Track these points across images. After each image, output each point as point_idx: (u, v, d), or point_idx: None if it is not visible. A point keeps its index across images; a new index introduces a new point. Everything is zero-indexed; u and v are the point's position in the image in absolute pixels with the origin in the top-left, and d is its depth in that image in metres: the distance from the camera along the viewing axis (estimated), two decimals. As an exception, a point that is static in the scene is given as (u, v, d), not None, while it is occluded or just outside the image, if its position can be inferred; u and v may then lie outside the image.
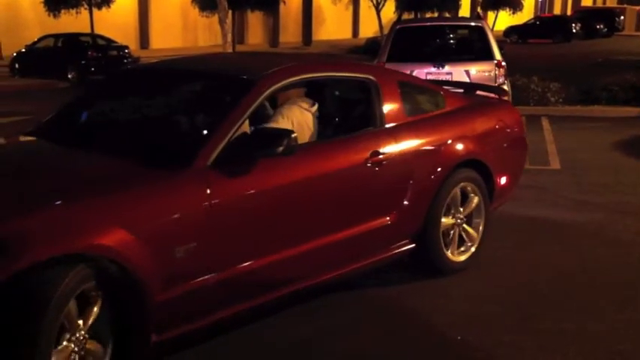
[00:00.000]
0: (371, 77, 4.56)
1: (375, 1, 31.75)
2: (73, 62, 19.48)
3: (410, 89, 4.88)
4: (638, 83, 12.98)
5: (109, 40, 21.21)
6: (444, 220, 4.75)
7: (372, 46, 27.28)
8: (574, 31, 39.49)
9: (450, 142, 4.77)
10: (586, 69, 19.89)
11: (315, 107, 4.46)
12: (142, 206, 3.26)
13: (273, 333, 4.02)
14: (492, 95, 5.93)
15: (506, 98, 5.92)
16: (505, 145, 5.29)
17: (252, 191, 3.64)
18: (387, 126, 4.50)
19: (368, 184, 4.29)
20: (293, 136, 3.70)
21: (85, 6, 24.13)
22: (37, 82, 19.07)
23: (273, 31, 38.73)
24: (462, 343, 3.94)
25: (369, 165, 4.25)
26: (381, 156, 4.31)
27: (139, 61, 21.50)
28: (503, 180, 5.20)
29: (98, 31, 23.30)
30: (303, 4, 39.39)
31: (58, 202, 3.07)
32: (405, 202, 4.50)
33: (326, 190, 4.06)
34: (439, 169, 4.64)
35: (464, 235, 4.95)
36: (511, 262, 5.14)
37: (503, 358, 3.78)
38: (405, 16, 30.89)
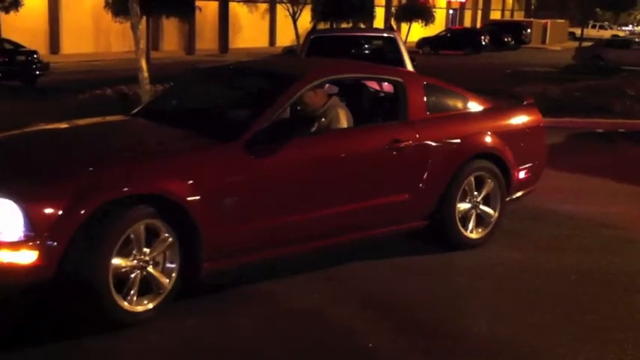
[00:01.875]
0: (399, 79, 5.51)
1: (291, 11, 31.90)
2: (-23, 67, 18.70)
3: (435, 91, 5.73)
4: (545, 93, 13.49)
5: (16, 45, 20.46)
6: (460, 204, 5.53)
7: (288, 55, 27.35)
8: (483, 43, 40.70)
9: (467, 136, 5.61)
10: (495, 79, 20.55)
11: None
12: (200, 165, 4.42)
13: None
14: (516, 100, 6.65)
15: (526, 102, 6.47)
16: (523, 143, 6.00)
17: (287, 161, 4.66)
18: (410, 120, 5.35)
19: (387, 165, 5.19)
20: (322, 120, 5.08)
21: (-8, 9, 23.29)
22: (-61, 87, 18.26)
23: (189, 38, 38.28)
24: (373, 349, 4.01)
25: (388, 149, 5.15)
26: (400, 144, 5.17)
27: (49, 67, 20.87)
28: (521, 174, 5.97)
29: (6, 35, 22.49)
30: (219, 11, 39.16)
31: (143, 159, 4.37)
32: (422, 184, 5.34)
33: (349, 166, 5.02)
34: (455, 158, 5.47)
35: (479, 217, 5.70)
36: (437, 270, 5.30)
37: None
38: (321, 25, 31.14)
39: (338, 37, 11.30)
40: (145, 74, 11.02)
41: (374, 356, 3.95)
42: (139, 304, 4.18)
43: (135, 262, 4.15)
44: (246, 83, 5.81)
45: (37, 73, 19.76)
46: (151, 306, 4.23)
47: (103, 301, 3.98)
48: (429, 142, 5.37)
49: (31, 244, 3.80)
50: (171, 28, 36.90)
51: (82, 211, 3.88)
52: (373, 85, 6.39)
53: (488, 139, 5.74)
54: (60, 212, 3.85)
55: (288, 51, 31.09)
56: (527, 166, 6.06)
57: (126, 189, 4.07)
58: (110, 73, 21.59)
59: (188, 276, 4.39)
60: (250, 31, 42.76)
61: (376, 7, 37.20)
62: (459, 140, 5.55)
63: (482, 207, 5.73)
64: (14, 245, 3.80)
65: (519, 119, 6.18)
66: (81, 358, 3.90)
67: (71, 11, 33.56)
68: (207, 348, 4.01)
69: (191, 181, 4.27)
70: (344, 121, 5.28)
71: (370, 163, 5.13)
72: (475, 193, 5.67)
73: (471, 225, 5.67)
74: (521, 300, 4.75)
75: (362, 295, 4.78)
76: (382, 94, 6.02)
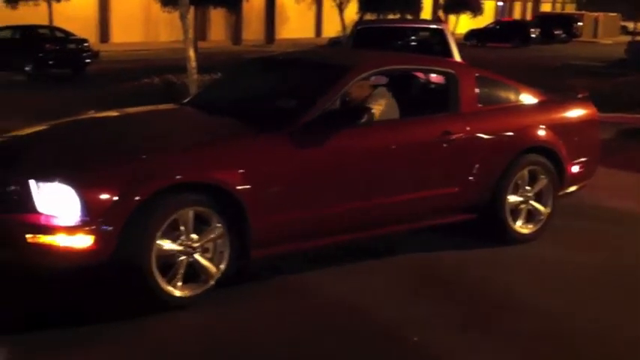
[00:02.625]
0: (450, 71, 5.50)
1: (338, 1, 31.82)
2: (30, 55, 19.04)
3: (487, 83, 5.71)
4: (594, 88, 13.20)
5: (67, 33, 20.85)
6: (510, 196, 5.49)
7: (334, 46, 27.32)
8: (533, 35, 40.05)
9: (519, 129, 5.58)
10: (543, 73, 20.19)
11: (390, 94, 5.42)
12: (249, 154, 4.47)
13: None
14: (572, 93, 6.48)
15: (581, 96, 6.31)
16: (577, 137, 5.94)
17: (336, 151, 4.69)
18: (461, 112, 5.34)
19: (436, 156, 5.19)
20: (372, 111, 5.01)
21: (44, -2, 23.73)
22: (-7, 73, 18.69)
23: (236, 29, 38.53)
24: (416, 344, 3.99)
25: (439, 141, 5.14)
26: (451, 135, 5.16)
27: (99, 55, 21.21)
28: (574, 168, 5.90)
29: (57, 23, 22.90)
30: (266, 2, 39.29)
31: (195, 147, 4.42)
32: (472, 177, 5.31)
33: (398, 157, 5.03)
34: (507, 152, 5.44)
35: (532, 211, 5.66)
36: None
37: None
38: (368, 16, 30.99)
39: (385, 29, 11.22)
40: (193, 64, 11.13)
41: (416, 351, 3.92)
42: (183, 289, 4.25)
43: (181, 247, 4.23)
44: (297, 74, 5.80)
45: (87, 61, 20.12)
46: (194, 292, 4.29)
47: (147, 282, 4.09)
48: (481, 135, 5.35)
49: (87, 228, 3.93)
50: (218, 19, 37.20)
51: (137, 198, 4.00)
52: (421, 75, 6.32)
53: (541, 132, 5.68)
54: (115, 198, 3.96)
55: (334, 42, 31.05)
56: (580, 160, 5.96)
57: (179, 177, 4.16)
58: (158, 62, 21.86)
59: (236, 264, 4.46)
60: (296, 22, 42.85)
61: (423, -1, 36.87)
62: (511, 133, 5.51)
63: (533, 202, 5.65)
64: (71, 230, 3.92)
65: (573, 113, 6.08)
66: (109, 335, 3.96)
67: (121, 1, 34.06)
68: (236, 337, 4.02)
69: (241, 170, 4.34)
70: (387, 112, 5.23)
71: (419, 154, 5.13)
72: (527, 187, 5.61)
73: (521, 220, 5.62)
74: (565, 297, 4.67)
75: (405, 288, 4.75)
76: (433, 86, 6.02)
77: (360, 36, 10.13)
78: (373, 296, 4.60)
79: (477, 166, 5.33)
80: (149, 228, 4.06)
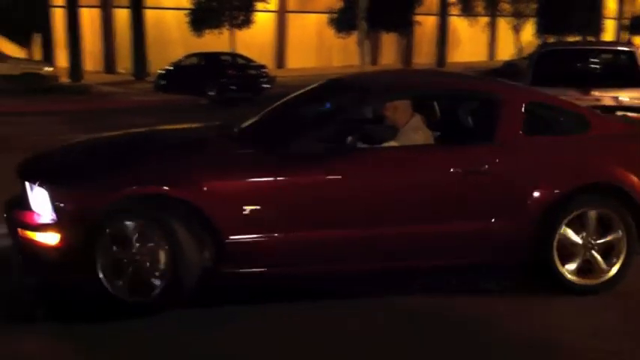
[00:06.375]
0: (492, 94, 4.93)
1: (514, 24, 31.07)
2: (213, 80, 20.11)
3: (544, 110, 5.04)
4: None
5: (247, 60, 21.82)
6: (565, 239, 4.72)
7: (509, 69, 26.54)
8: None
9: (574, 163, 4.80)
10: None
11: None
12: (230, 171, 4.43)
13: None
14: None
15: None
16: None
17: (321, 175, 4.47)
18: (499, 141, 4.72)
19: (460, 190, 4.60)
20: (382, 133, 4.72)
21: (227, 26, 25.01)
22: (178, 97, 19.91)
23: (407, 53, 38.61)
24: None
25: (464, 172, 4.57)
26: (480, 167, 4.59)
27: (275, 80, 21.99)
28: None
29: (238, 50, 24.06)
30: (438, 25, 39.08)
31: (163, 163, 4.54)
32: (508, 215, 4.64)
33: (410, 186, 4.58)
34: (555, 188, 4.67)
35: (593, 262, 4.80)
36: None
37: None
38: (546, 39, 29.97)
39: (571, 51, 10.72)
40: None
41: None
42: (132, 295, 4.39)
43: (126, 259, 4.38)
44: (334, 97, 5.51)
45: (265, 86, 20.90)
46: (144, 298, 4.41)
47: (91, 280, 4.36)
48: (520, 168, 4.70)
49: (55, 227, 4.32)
50: (389, 43, 37.50)
51: (100, 205, 4.28)
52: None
53: (607, 168, 4.80)
54: (82, 203, 4.31)
55: (509, 65, 30.23)
56: None
57: (134, 188, 4.34)
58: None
59: (207, 278, 4.48)
60: (469, 45, 42.21)
61: (605, 20, 35.15)
62: (562, 167, 4.76)
63: (594, 252, 4.78)
64: (44, 227, 4.35)
65: None
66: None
67: (297, 28, 35.29)
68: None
69: (205, 187, 4.32)
70: (413, 138, 4.87)
71: (438, 186, 4.62)
72: (585, 233, 4.75)
73: (574, 268, 4.79)
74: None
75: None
76: (472, 111, 5.24)
77: (544, 59, 9.73)
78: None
79: (513, 202, 4.65)
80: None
